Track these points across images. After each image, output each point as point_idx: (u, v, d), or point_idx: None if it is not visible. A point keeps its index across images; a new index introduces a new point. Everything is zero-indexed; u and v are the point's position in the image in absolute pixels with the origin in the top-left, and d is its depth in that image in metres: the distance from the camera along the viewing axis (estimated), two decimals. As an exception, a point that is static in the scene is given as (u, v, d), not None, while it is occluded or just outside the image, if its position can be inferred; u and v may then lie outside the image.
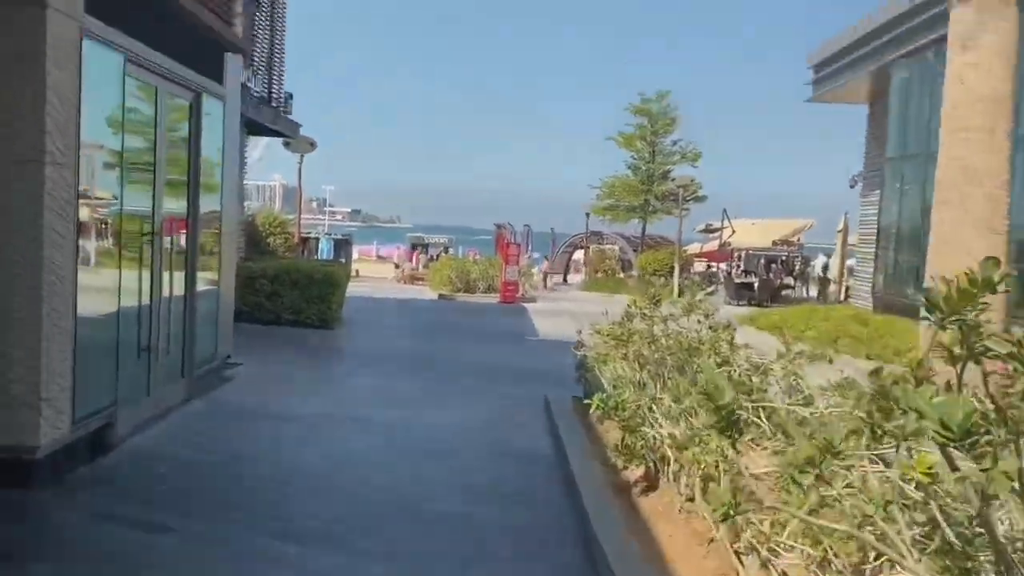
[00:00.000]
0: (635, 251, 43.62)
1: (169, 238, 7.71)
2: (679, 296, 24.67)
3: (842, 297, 23.95)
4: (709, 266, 47.24)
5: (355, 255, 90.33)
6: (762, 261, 42.01)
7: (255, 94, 13.78)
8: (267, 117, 13.65)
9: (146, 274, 7.02)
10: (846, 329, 15.53)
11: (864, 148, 22.11)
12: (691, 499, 4.74)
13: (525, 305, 22.14)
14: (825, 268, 40.63)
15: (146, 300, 7.03)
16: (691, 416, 5.17)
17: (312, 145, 20.66)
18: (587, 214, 36.03)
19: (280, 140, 20.01)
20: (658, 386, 6.16)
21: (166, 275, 7.53)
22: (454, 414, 8.62)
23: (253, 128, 15.61)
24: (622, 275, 36.66)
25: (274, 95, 15.30)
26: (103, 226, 6.37)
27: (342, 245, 50.09)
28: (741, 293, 25.12)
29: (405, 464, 6.67)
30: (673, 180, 26.04)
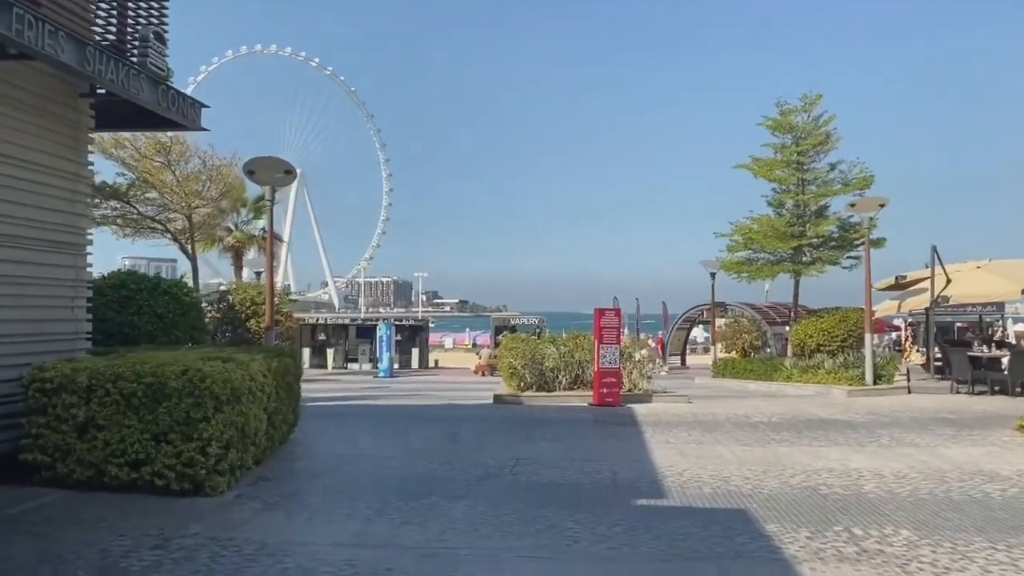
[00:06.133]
0: (770, 324, 34.46)
1: None
2: (875, 382, 15.66)
3: None
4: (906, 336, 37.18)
5: (449, 343, 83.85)
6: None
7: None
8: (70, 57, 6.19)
9: None
10: None
11: None
12: None
13: (634, 409, 13.73)
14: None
15: None
16: None
17: (289, 173, 13.35)
18: (712, 274, 27.29)
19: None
20: None
21: None
22: None
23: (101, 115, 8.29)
24: (768, 352, 27.66)
25: (128, 35, 7.99)
26: None
27: (416, 332, 42.92)
28: (978, 374, 15.89)
29: None
30: (852, 205, 17.38)
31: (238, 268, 31.17)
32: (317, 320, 42.23)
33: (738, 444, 9.92)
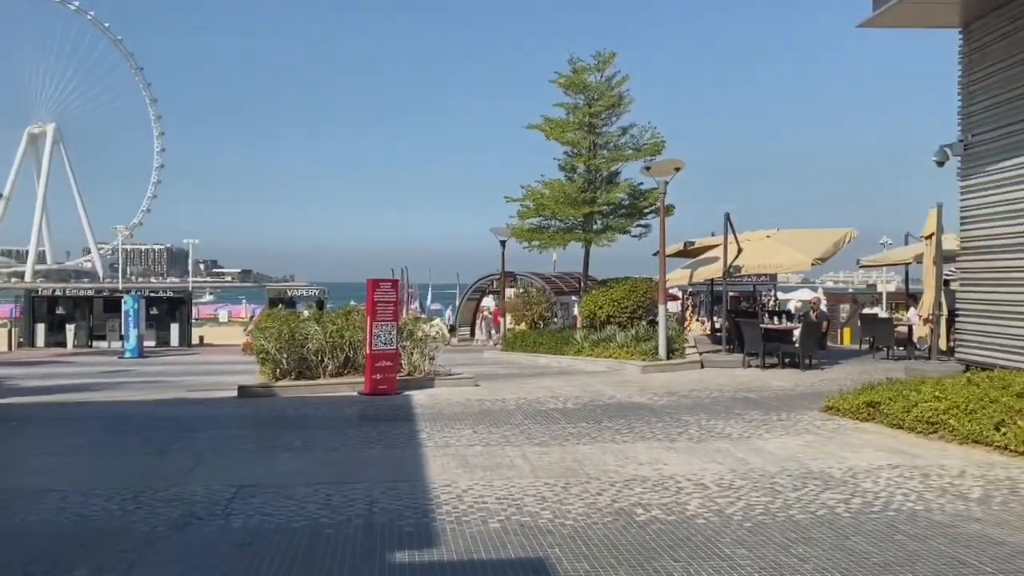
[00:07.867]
0: (558, 294, 33.85)
1: None
2: (669, 356, 14.74)
3: (941, 345, 14.60)
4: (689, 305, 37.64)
5: (224, 316, 77.66)
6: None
7: None
8: None
9: None
10: None
11: (960, 101, 13.14)
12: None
13: (412, 398, 11.74)
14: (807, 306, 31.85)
15: None
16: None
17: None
18: (502, 242, 25.89)
19: None
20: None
21: None
22: None
23: None
24: (555, 324, 26.74)
25: None
26: None
27: (177, 305, 38.09)
28: (771, 346, 15.45)
29: None
30: (648, 168, 16.36)
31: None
32: (54, 291, 36.40)
33: (532, 444, 8.21)
